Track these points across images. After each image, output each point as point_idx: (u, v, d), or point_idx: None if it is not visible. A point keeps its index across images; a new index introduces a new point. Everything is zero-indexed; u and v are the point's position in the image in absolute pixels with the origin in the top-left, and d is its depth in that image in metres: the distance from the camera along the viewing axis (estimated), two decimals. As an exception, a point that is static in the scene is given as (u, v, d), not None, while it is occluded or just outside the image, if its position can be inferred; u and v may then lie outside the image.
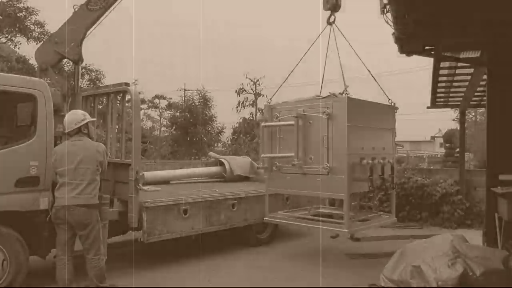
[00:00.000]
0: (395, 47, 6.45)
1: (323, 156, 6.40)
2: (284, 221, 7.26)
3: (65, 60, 8.04)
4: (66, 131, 5.15)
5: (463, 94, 10.29)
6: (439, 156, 29.91)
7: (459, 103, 11.43)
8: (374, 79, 7.26)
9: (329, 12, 6.97)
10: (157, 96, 34.98)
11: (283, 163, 6.94)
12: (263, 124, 7.35)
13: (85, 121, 5.22)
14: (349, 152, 6.17)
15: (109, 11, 7.39)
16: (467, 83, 9.16)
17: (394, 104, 7.21)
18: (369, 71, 7.19)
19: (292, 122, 6.69)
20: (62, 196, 4.91)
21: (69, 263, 4.99)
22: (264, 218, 7.32)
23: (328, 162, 6.32)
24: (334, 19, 6.96)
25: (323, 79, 6.97)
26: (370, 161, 6.33)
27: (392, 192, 7.37)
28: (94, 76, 20.81)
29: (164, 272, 6.35)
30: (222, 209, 7.22)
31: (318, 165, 6.43)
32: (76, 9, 7.24)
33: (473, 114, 26.42)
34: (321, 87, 6.96)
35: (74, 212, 4.86)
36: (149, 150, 24.15)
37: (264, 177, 7.70)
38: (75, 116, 5.23)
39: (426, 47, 6.91)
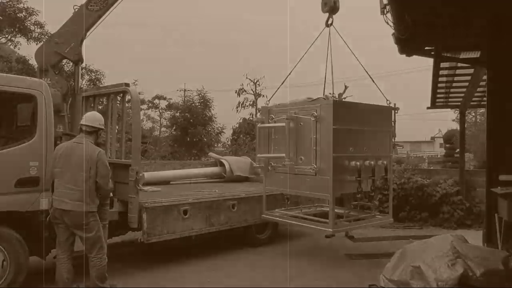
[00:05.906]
0: (395, 47, 6.47)
1: (312, 157, 6.53)
2: (279, 219, 7.46)
3: (65, 61, 8.03)
4: (84, 123, 5.09)
5: (463, 94, 10.29)
6: (439, 156, 29.89)
7: (459, 103, 11.43)
8: (372, 80, 7.35)
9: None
10: (157, 97, 35.04)
11: (277, 163, 7.15)
12: (258, 125, 7.58)
13: (102, 128, 5.30)
14: (334, 153, 6.29)
15: (109, 11, 7.40)
16: (467, 84, 9.17)
17: (395, 104, 7.23)
18: (367, 72, 7.32)
19: (284, 124, 6.82)
20: (57, 199, 4.90)
21: (68, 263, 4.99)
22: (262, 216, 7.54)
23: (315, 163, 6.45)
24: (332, 21, 7.11)
25: (325, 80, 7.10)
26: (358, 163, 6.40)
27: (390, 192, 7.46)
28: (94, 77, 20.77)
29: (164, 273, 6.35)
30: (222, 210, 7.22)
31: (307, 166, 6.59)
32: (76, 10, 7.26)
33: (473, 114, 26.39)
34: (324, 88, 7.12)
35: (70, 214, 4.85)
36: (149, 150, 24.05)
37: (261, 176, 7.95)
38: (101, 118, 5.27)
39: (426, 48, 6.93)
